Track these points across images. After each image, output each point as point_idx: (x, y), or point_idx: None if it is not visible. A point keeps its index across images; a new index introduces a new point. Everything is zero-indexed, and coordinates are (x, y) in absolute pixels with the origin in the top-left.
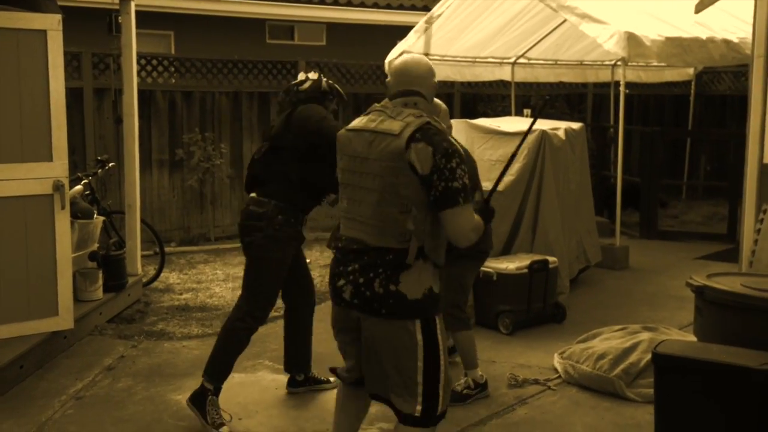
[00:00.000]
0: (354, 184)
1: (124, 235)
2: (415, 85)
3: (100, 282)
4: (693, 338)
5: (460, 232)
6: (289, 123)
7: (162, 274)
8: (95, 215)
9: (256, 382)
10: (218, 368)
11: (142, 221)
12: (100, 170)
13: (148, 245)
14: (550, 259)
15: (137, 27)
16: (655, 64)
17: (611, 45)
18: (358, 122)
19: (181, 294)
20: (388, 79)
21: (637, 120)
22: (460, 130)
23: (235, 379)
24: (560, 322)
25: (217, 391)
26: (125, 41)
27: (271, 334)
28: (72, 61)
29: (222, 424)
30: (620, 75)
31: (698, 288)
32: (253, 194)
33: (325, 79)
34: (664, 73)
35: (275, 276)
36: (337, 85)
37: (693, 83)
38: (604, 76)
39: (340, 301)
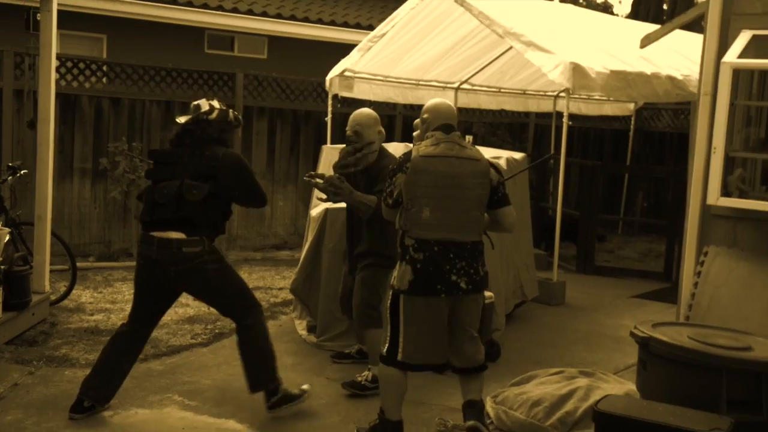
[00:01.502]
0: (439, 196)
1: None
2: (454, 121)
3: (0, 300)
4: (632, 387)
5: (513, 221)
6: (221, 166)
7: (74, 292)
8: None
9: (161, 421)
10: (270, 373)
11: (53, 234)
12: (10, 177)
13: (62, 259)
14: (487, 294)
15: (66, 28)
16: (597, 97)
17: (556, 75)
18: (432, 150)
19: (92, 314)
20: (426, 115)
21: (577, 152)
22: (399, 154)
23: (138, 415)
24: (494, 360)
25: (284, 392)
26: (44, 40)
27: (184, 364)
28: None
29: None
30: (562, 106)
31: (643, 339)
32: (176, 234)
33: (231, 110)
34: (605, 107)
35: (235, 275)
36: (239, 115)
37: (633, 118)
38: (546, 106)
39: (454, 291)
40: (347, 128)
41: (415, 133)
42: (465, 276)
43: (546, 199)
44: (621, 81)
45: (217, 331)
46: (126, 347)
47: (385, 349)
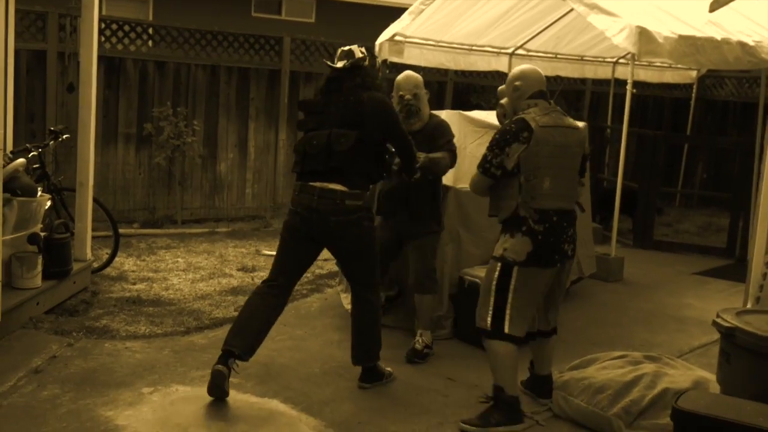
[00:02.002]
0: (556, 166)
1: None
2: (545, 86)
3: (39, 268)
4: (701, 373)
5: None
6: (365, 111)
7: (117, 260)
8: (39, 193)
9: (202, 399)
10: (377, 349)
11: (95, 201)
12: (52, 142)
13: (105, 225)
14: None
15: None
16: (658, 63)
17: (621, 39)
18: (546, 119)
19: (134, 284)
20: (519, 82)
21: (634, 121)
22: (453, 122)
23: (178, 392)
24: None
25: (379, 368)
26: (86, 1)
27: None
28: (36, 21)
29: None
30: (621, 73)
31: (728, 330)
32: (338, 185)
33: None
34: (666, 74)
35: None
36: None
37: (695, 86)
38: (604, 73)
39: (564, 259)
40: (403, 92)
41: (502, 101)
42: (571, 243)
43: (602, 170)
44: (689, 47)
45: None
46: (272, 302)
47: (489, 323)
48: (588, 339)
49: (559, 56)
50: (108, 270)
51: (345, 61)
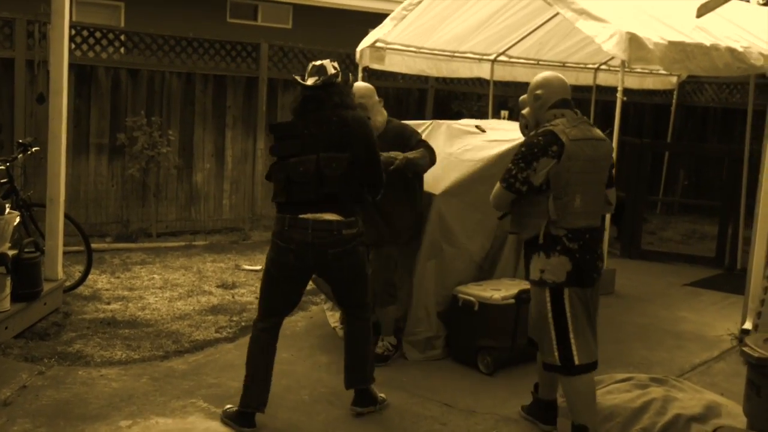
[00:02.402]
0: (586, 182)
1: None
2: (570, 94)
3: (8, 290)
4: (711, 397)
5: (614, 201)
6: (352, 132)
7: (90, 277)
8: (7, 210)
9: (185, 430)
10: (371, 371)
11: (67, 216)
12: (20, 155)
13: (78, 240)
14: None
15: None
16: (639, 69)
17: (611, 46)
18: (575, 132)
19: (108, 303)
20: (540, 91)
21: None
22: (439, 133)
23: (159, 425)
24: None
25: (373, 393)
26: (56, 7)
27: (208, 363)
28: (3, 28)
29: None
30: (603, 79)
31: (759, 360)
32: (332, 215)
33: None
34: (646, 80)
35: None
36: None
37: (675, 92)
38: (585, 79)
39: (599, 277)
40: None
41: (524, 111)
42: (601, 261)
43: None
44: (679, 53)
45: (243, 323)
46: (270, 345)
47: (558, 359)
48: None
49: (541, 62)
50: (81, 288)
51: (316, 78)
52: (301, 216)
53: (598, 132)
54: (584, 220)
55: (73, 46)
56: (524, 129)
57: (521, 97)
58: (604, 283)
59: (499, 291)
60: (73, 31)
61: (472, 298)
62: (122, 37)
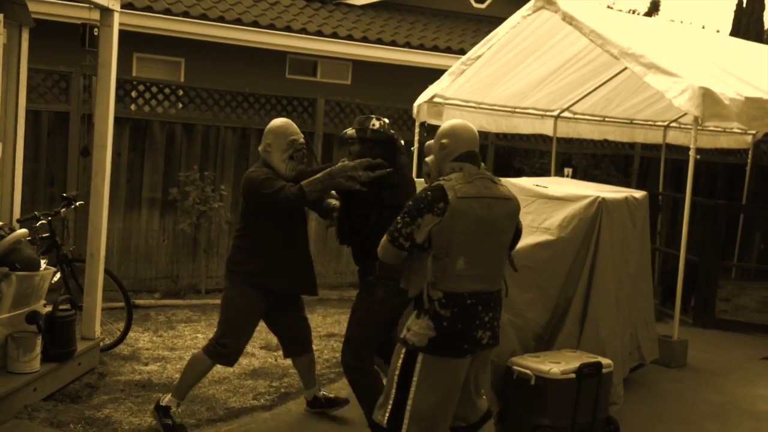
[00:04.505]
0: (475, 244)
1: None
2: (477, 147)
3: (38, 350)
4: None
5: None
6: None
7: (133, 334)
8: (44, 266)
9: None
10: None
11: (107, 272)
12: (64, 209)
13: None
14: (604, 361)
15: (143, 51)
16: (711, 127)
17: (683, 101)
18: (468, 189)
19: (146, 364)
20: (445, 140)
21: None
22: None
23: None
24: None
25: None
26: (103, 59)
27: None
28: (59, 82)
29: None
30: (673, 137)
31: None
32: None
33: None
34: (720, 139)
35: None
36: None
37: (750, 152)
38: (654, 137)
39: (477, 349)
40: (294, 136)
41: (427, 158)
42: (489, 330)
43: (654, 239)
44: (758, 110)
45: (283, 390)
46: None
47: (385, 418)
48: None
49: (607, 119)
50: (121, 347)
51: (354, 130)
52: None
53: (502, 190)
54: (468, 284)
55: (129, 100)
56: (426, 177)
57: (427, 143)
58: (674, 354)
59: (559, 364)
60: (130, 86)
61: (528, 371)
62: (179, 92)
